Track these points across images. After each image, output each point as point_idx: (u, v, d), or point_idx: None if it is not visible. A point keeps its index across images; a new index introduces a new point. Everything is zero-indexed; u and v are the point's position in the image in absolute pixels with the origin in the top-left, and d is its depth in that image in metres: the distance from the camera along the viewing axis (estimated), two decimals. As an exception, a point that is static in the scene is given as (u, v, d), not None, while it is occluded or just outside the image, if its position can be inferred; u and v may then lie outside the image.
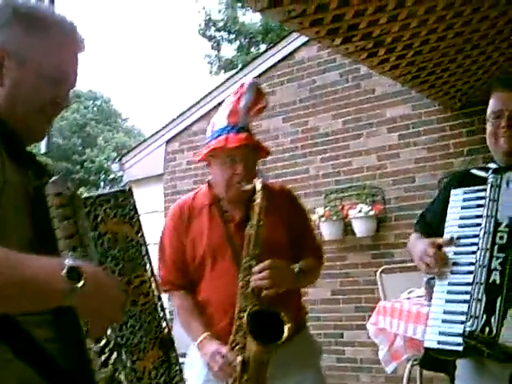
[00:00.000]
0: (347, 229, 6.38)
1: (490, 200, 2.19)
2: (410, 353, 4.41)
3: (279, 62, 7.16)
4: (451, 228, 2.29)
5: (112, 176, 26.40)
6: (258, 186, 2.51)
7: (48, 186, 1.43)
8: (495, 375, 2.18)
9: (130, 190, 1.68)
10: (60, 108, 1.64)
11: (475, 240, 2.18)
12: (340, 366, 6.38)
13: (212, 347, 2.50)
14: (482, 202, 2.22)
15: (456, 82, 5.21)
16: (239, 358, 2.39)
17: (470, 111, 5.79)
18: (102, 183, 30.91)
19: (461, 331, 2.08)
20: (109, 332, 1.48)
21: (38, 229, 1.43)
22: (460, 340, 2.08)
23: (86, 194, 1.62)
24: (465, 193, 2.31)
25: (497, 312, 2.04)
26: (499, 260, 2.09)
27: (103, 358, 1.45)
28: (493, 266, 2.10)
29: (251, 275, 2.44)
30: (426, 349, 2.21)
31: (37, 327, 1.40)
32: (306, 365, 2.68)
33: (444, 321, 2.17)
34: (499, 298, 2.05)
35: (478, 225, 2.20)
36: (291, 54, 7.08)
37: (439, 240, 2.27)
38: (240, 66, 13.58)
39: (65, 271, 1.27)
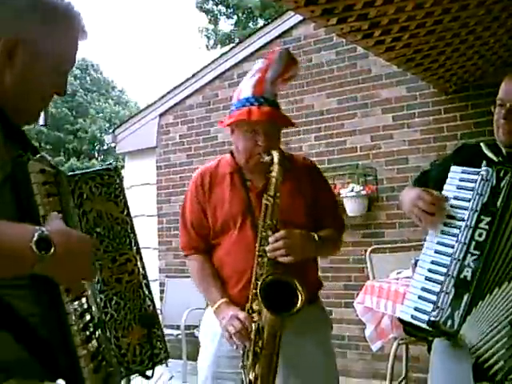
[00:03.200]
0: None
1: (477, 194, 2.18)
2: (397, 332, 4.44)
3: (276, 38, 7.12)
4: None
5: (106, 147, 26.34)
6: (276, 158, 2.54)
7: (31, 163, 1.43)
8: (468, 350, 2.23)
9: (116, 168, 1.69)
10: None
11: (460, 223, 2.18)
12: (327, 342, 6.44)
13: (230, 311, 2.56)
14: (474, 185, 2.20)
15: (451, 65, 5.21)
16: (254, 326, 2.46)
17: (464, 95, 5.80)
18: (96, 154, 30.82)
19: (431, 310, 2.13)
20: (93, 308, 1.50)
21: (21, 206, 1.42)
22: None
23: (71, 172, 1.63)
24: (463, 172, 2.28)
25: (462, 307, 2.08)
26: (474, 257, 2.11)
27: (87, 333, 1.47)
28: (466, 262, 2.11)
29: (267, 245, 2.49)
30: (400, 320, 2.25)
31: (19, 301, 1.41)
32: (317, 333, 2.77)
33: (420, 297, 2.20)
34: (466, 295, 2.08)
35: (467, 209, 2.19)
36: (288, 31, 7.04)
37: (435, 192, 2.25)
38: (236, 41, 13.49)
39: (34, 242, 1.27)
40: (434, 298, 2.15)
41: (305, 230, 2.59)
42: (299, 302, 2.40)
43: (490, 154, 2.35)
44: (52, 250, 1.28)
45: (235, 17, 22.34)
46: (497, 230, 2.11)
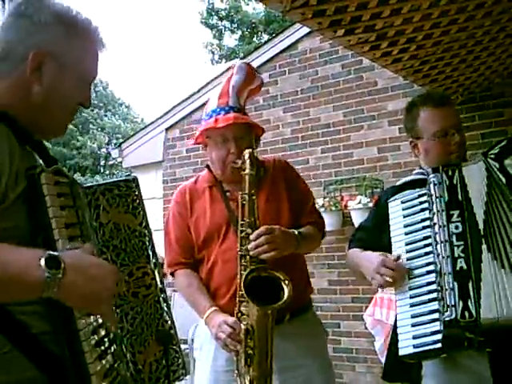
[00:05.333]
0: (346, 220, 6.38)
1: (436, 197, 2.28)
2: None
3: (281, 52, 7.13)
4: (398, 237, 2.37)
5: (111, 162, 26.37)
6: (246, 155, 2.54)
7: (45, 175, 1.42)
8: (469, 367, 2.24)
9: (134, 179, 1.68)
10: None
11: (427, 242, 2.26)
12: (336, 355, 6.40)
13: (219, 319, 2.55)
14: (425, 205, 2.31)
15: (458, 76, 5.19)
16: (243, 326, 2.43)
17: (471, 106, 5.78)
18: (101, 169, 30.85)
19: (436, 329, 2.13)
20: (108, 323, 1.48)
21: (34, 219, 1.41)
22: (436, 338, 2.13)
23: (88, 184, 1.62)
24: (402, 202, 2.39)
25: (471, 296, 2.11)
26: (460, 248, 2.18)
27: (101, 349, 1.45)
28: (456, 255, 2.17)
29: (249, 244, 2.47)
30: (402, 356, 2.23)
31: (31, 318, 1.40)
32: (313, 346, 2.75)
33: (414, 324, 2.21)
34: (470, 283, 2.13)
35: (425, 227, 2.28)
36: (293, 44, 7.04)
37: (390, 256, 2.32)
38: (241, 56, 13.54)
39: (43, 260, 1.25)
40: (431, 311, 2.17)
41: (283, 226, 2.59)
42: (286, 294, 2.38)
43: (419, 177, 2.44)
44: (62, 269, 1.26)
45: (239, 32, 22.43)
46: (469, 217, 2.21)
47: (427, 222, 2.28)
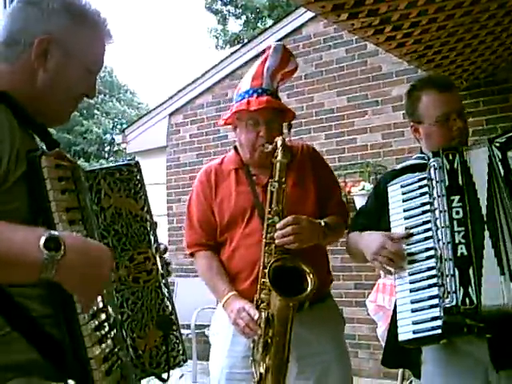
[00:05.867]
0: (349, 206, 6.36)
1: (437, 182, 2.23)
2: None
3: (285, 37, 7.09)
4: (398, 222, 2.34)
5: (115, 148, 26.38)
6: (279, 142, 2.53)
7: (45, 158, 1.42)
8: (469, 352, 2.23)
9: (136, 164, 1.67)
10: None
11: (427, 226, 2.23)
12: (338, 342, 6.41)
13: (238, 304, 2.53)
14: (425, 189, 2.27)
15: (463, 61, 5.16)
16: (263, 315, 2.42)
17: (475, 92, 5.75)
18: (106, 155, 30.85)
19: (435, 314, 2.11)
20: (109, 308, 1.47)
21: (34, 202, 1.41)
22: (436, 323, 2.11)
23: (89, 168, 1.62)
24: (402, 186, 2.36)
25: (472, 282, 2.08)
26: (461, 234, 2.14)
27: (101, 333, 1.44)
28: (457, 241, 2.14)
29: (275, 232, 2.46)
30: (402, 342, 2.21)
31: (31, 301, 1.40)
32: (331, 334, 2.72)
33: (414, 310, 2.19)
34: (471, 269, 2.10)
35: (425, 212, 2.25)
36: (298, 29, 7.02)
37: (395, 234, 2.29)
38: (246, 41, 13.49)
39: (42, 241, 1.24)
40: (431, 297, 2.15)
41: (311, 217, 2.57)
42: (309, 286, 2.37)
43: (419, 161, 2.39)
44: (62, 251, 1.25)
45: (244, 17, 22.31)
46: (471, 202, 2.17)
47: (427, 207, 2.24)
